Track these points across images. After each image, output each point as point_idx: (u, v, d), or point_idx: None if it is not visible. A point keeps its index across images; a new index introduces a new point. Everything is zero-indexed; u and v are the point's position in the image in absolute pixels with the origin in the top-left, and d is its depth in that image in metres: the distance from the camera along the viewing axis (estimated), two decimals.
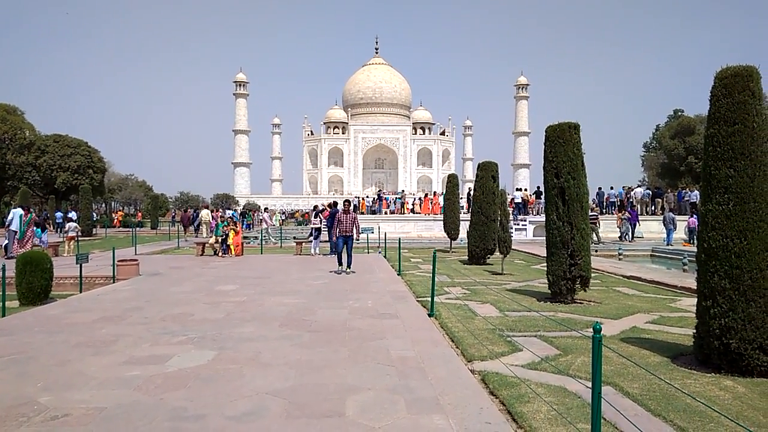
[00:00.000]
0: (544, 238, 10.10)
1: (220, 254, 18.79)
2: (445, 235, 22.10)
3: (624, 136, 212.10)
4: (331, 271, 13.83)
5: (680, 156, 52.78)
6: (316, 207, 21.79)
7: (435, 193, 41.03)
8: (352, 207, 14.90)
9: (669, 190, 34.54)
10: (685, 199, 28.05)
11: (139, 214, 55.15)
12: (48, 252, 15.52)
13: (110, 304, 9.48)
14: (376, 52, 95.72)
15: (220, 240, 19.06)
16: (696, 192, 25.84)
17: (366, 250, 21.42)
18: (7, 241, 18.10)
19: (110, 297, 10.27)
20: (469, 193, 33.83)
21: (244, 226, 39.66)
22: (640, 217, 27.03)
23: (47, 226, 20.56)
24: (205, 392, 4.85)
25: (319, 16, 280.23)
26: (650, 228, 27.57)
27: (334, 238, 14.44)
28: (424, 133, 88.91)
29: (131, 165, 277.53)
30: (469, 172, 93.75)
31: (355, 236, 13.96)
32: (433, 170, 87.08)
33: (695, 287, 6.02)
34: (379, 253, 20.15)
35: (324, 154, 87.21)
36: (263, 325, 7.69)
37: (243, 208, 48.55)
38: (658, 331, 7.37)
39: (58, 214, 37.95)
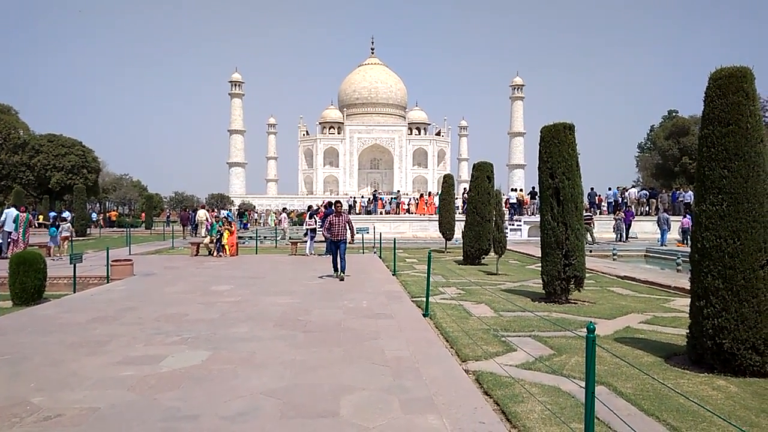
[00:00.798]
0: (539, 238, 10.11)
1: (215, 254, 18.75)
2: (440, 235, 22.12)
3: (619, 137, 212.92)
4: (322, 276, 13.02)
5: (674, 157, 53.01)
6: (310, 207, 21.73)
7: (430, 193, 41.04)
8: (345, 208, 14.66)
9: (663, 191, 34.66)
10: (680, 199, 28.15)
11: (143, 214, 54.95)
12: (43, 252, 15.47)
13: (104, 304, 9.45)
14: (372, 52, 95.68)
15: (215, 240, 19.03)
16: (690, 193, 25.94)
17: (361, 250, 21.42)
18: (1, 242, 18.02)
19: (104, 297, 10.23)
20: (464, 193, 33.89)
21: (242, 226, 39.67)
22: (634, 218, 27.11)
23: (58, 224, 20.74)
24: (199, 392, 4.84)
25: (314, 16, 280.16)
26: (644, 228, 27.68)
27: (324, 232, 13.74)
28: (419, 134, 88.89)
29: (126, 165, 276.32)
30: (465, 173, 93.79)
31: (348, 239, 13.00)
32: (428, 170, 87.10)
33: (689, 287, 6.05)
34: (374, 253, 20.15)
35: (319, 154, 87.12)
36: (258, 325, 7.68)
37: (239, 208, 48.49)
38: (652, 331, 7.39)
39: (52, 214, 37.81)
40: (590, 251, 18.19)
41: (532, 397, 4.74)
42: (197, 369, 5.57)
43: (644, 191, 31.86)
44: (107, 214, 53.63)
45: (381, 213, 36.41)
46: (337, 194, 73.62)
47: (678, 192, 29.74)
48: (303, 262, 16.82)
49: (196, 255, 19.03)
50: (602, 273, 13.76)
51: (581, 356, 5.96)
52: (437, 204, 26.24)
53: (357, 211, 37.25)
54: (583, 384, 3.49)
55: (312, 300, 9.79)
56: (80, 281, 12.33)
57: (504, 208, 20.31)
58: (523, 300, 9.98)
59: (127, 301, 9.73)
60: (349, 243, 13.09)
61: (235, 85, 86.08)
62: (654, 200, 30.10)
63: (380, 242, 20.25)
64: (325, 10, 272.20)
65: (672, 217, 24.87)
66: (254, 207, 58.98)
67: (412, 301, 9.86)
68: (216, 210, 31.83)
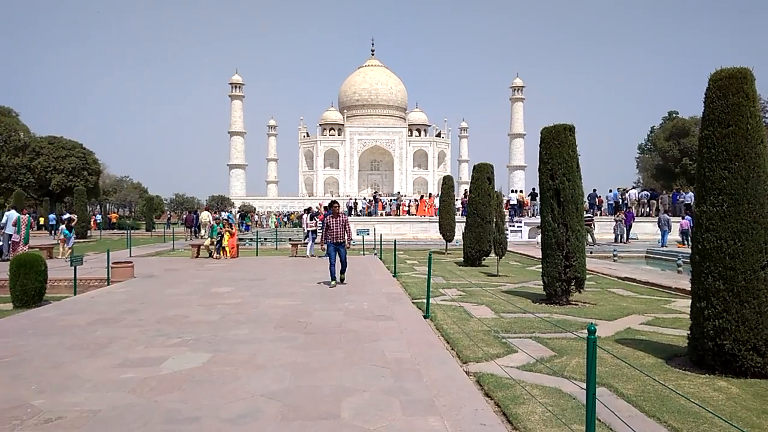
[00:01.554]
0: (539, 239, 10.10)
1: (215, 256, 18.76)
2: (441, 236, 22.12)
3: (619, 138, 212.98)
4: (320, 283, 12.14)
5: (675, 158, 53.05)
6: (309, 209, 21.70)
7: (431, 194, 41.03)
8: (343, 209, 14.36)
9: (664, 192, 34.65)
10: (680, 200, 28.14)
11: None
12: (43, 254, 15.47)
13: (105, 306, 9.44)
14: (372, 54, 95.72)
15: (215, 242, 19.03)
16: (691, 194, 25.93)
17: (361, 252, 21.41)
18: (2, 243, 18.02)
19: (105, 299, 10.23)
20: (464, 195, 33.88)
21: (244, 228, 39.68)
22: (634, 219, 27.10)
23: (72, 226, 20.93)
24: (200, 394, 4.84)
25: (315, 18, 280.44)
26: (645, 229, 27.66)
27: (323, 246, 12.70)
28: (419, 135, 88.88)
29: (126, 167, 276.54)
30: (465, 174, 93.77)
31: (346, 243, 12.21)
32: (428, 172, 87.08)
33: (689, 288, 6.04)
34: (375, 254, 20.15)
35: (320, 156, 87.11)
36: (258, 327, 7.68)
37: (239, 210, 48.52)
38: (653, 333, 7.39)
39: (52, 216, 37.81)
40: (591, 252, 18.18)
41: (533, 399, 4.74)
42: (198, 371, 5.56)
43: (645, 192, 31.85)
44: (107, 216, 53.67)
45: (381, 215, 36.40)
46: (338, 196, 73.60)
47: (678, 193, 29.73)
48: (303, 264, 16.82)
49: (197, 257, 19.04)
50: (603, 274, 13.75)
51: (582, 358, 5.95)
52: (438, 206, 26.23)
53: (357, 213, 37.21)
54: (584, 385, 3.49)
55: (313, 302, 9.78)
56: (81, 283, 12.33)
57: (504, 210, 20.32)
58: (524, 301, 9.98)
59: (128, 303, 9.72)
60: (347, 247, 12.30)
61: (236, 86, 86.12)
62: (654, 201, 30.10)
63: (381, 244, 20.24)
64: (325, 12, 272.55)
65: (672, 219, 24.86)
66: (255, 209, 58.97)
67: (413, 302, 9.85)
68: (217, 212, 31.87)
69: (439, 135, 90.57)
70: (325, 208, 21.68)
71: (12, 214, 17.85)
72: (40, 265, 10.57)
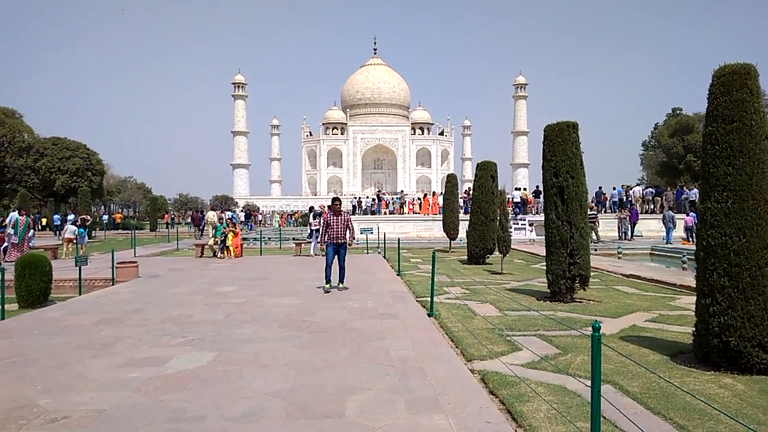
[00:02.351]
0: (543, 237, 10.09)
1: (219, 256, 18.79)
2: (445, 235, 22.10)
3: (623, 135, 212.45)
4: (311, 294, 10.61)
5: (679, 154, 52.86)
6: (312, 208, 21.73)
7: (434, 193, 41.03)
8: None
9: (668, 189, 34.54)
10: (684, 197, 28.05)
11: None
12: (48, 254, 15.52)
13: (109, 306, 9.47)
14: (375, 53, 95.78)
15: (219, 241, 19.06)
16: (695, 190, 25.82)
17: (365, 251, 21.42)
18: (6, 244, 18.10)
19: (109, 299, 10.26)
20: (465, 192, 33.83)
21: (249, 227, 39.75)
22: (638, 217, 27.03)
23: (86, 226, 21.46)
24: (205, 393, 4.85)
25: (317, 17, 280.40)
26: (649, 226, 27.58)
27: (321, 246, 11.32)
28: (422, 134, 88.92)
29: (130, 167, 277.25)
30: (468, 172, 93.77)
31: (348, 242, 11.18)
32: (432, 170, 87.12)
33: (694, 285, 6.02)
34: (379, 253, 20.15)
35: (323, 155, 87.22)
36: (263, 326, 7.69)
37: (243, 210, 48.61)
38: (658, 330, 7.37)
39: (57, 217, 37.94)
40: (595, 250, 18.14)
41: (538, 397, 4.73)
42: (203, 370, 5.57)
43: (650, 189, 31.75)
44: (112, 216, 53.82)
45: (385, 213, 36.38)
46: (342, 195, 73.63)
47: (683, 190, 29.64)
48: (307, 263, 16.83)
49: (201, 256, 19.07)
50: (607, 271, 13.72)
51: (587, 355, 5.94)
52: (441, 204, 26.21)
53: (362, 211, 37.18)
54: (589, 383, 3.48)
55: (317, 300, 9.79)
56: (86, 284, 12.38)
57: (508, 208, 20.30)
58: (528, 299, 9.96)
59: (133, 303, 9.75)
60: (349, 245, 11.34)
61: (239, 86, 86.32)
62: (659, 198, 30.00)
63: (384, 242, 20.24)
64: (327, 11, 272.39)
65: (677, 215, 24.78)
66: (258, 208, 59.07)
67: (417, 301, 9.85)
68: (222, 212, 32.03)
69: (442, 133, 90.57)
70: (327, 207, 21.69)
71: (14, 216, 17.95)
72: (44, 266, 10.62)
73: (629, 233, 25.18)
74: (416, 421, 4.22)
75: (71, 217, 26.83)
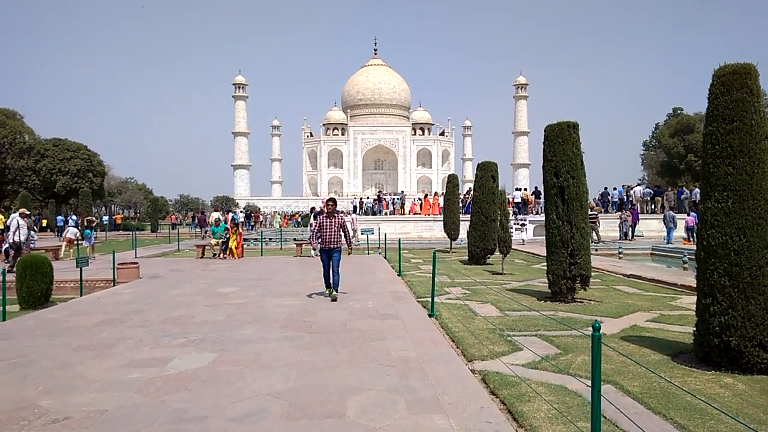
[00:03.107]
0: (544, 237, 10.09)
1: (220, 256, 18.80)
2: (445, 235, 22.11)
3: (623, 135, 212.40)
4: (312, 295, 10.40)
5: (680, 154, 52.83)
6: (313, 209, 21.76)
7: (436, 193, 41.03)
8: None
9: (669, 189, 34.52)
10: (684, 197, 28.04)
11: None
12: (49, 255, 15.53)
13: (111, 307, 9.48)
14: (375, 53, 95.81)
15: (220, 242, 19.07)
16: (697, 190, 25.80)
17: (366, 251, 21.43)
18: (6, 246, 18.10)
19: (111, 300, 10.27)
20: (466, 193, 33.82)
21: (249, 228, 39.81)
22: (639, 216, 27.04)
23: (92, 227, 21.82)
24: (206, 394, 4.86)
25: (317, 18, 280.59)
26: (650, 226, 27.58)
27: (314, 251, 10.15)
28: (423, 134, 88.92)
29: (131, 168, 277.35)
30: (469, 172, 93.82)
31: (345, 248, 10.35)
32: (432, 171, 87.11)
33: (695, 285, 6.02)
34: (379, 253, 20.16)
35: (323, 156, 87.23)
36: (264, 326, 7.70)
37: (243, 210, 48.65)
38: (659, 330, 7.37)
39: (59, 218, 37.96)
40: (596, 250, 18.14)
41: (539, 397, 4.74)
42: (204, 371, 5.58)
43: (648, 189, 31.74)
44: (112, 217, 53.84)
45: (385, 214, 36.38)
46: (342, 195, 73.65)
47: (683, 190, 29.63)
48: (308, 264, 16.83)
49: (202, 257, 19.08)
50: (608, 271, 13.72)
51: (588, 355, 5.94)
52: (442, 204, 26.20)
53: (364, 211, 37.15)
54: (590, 383, 3.49)
55: (317, 301, 9.79)
56: (87, 285, 12.39)
57: (508, 208, 20.29)
58: (529, 299, 9.97)
59: (134, 304, 9.76)
60: (347, 252, 10.42)
61: (239, 87, 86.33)
62: (660, 198, 30.00)
63: (385, 243, 20.25)
64: (327, 12, 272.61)
65: (678, 215, 24.77)
66: (259, 209, 59.11)
67: (418, 301, 9.86)
68: (225, 213, 32.16)
69: (442, 133, 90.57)
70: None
71: (14, 218, 17.94)
72: (45, 267, 10.63)
73: (630, 234, 25.18)
74: (417, 421, 4.22)
75: (74, 218, 26.92)
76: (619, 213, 27.05)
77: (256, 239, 27.63)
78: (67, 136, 51.73)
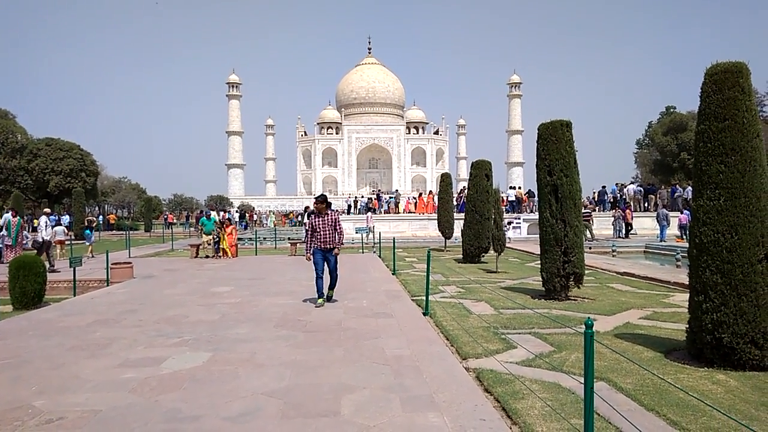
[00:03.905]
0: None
1: (214, 256, 18.76)
2: (440, 234, 22.14)
3: (616, 134, 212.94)
4: (306, 300, 9.79)
5: (673, 152, 53.08)
6: (307, 208, 21.75)
7: (430, 192, 41.07)
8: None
9: (662, 187, 34.68)
10: (676, 195, 28.18)
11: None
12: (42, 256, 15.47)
13: (104, 307, 9.45)
14: (369, 52, 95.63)
15: (212, 241, 19.01)
16: (689, 188, 25.95)
17: (360, 250, 21.43)
18: (1, 247, 18.02)
19: (104, 300, 10.24)
20: (460, 192, 33.87)
21: (242, 227, 39.74)
22: (633, 214, 27.16)
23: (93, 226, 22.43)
24: (201, 393, 4.85)
25: (311, 17, 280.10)
26: (643, 224, 27.71)
27: (308, 255, 9.51)
28: (417, 133, 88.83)
29: (124, 168, 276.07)
30: (463, 171, 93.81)
31: (336, 249, 9.51)
32: (427, 169, 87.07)
33: (688, 283, 6.06)
34: (374, 252, 20.17)
35: (318, 155, 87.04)
36: (258, 326, 7.69)
37: (237, 209, 48.56)
38: (652, 327, 7.41)
39: (53, 218, 37.77)
40: (589, 248, 18.20)
41: (533, 394, 4.76)
42: (198, 370, 5.57)
43: (639, 188, 31.88)
44: (106, 217, 53.62)
45: (380, 212, 36.40)
46: (336, 194, 73.60)
47: (676, 188, 29.78)
48: (302, 263, 16.79)
49: (196, 257, 19.04)
50: (602, 269, 13.78)
51: (581, 352, 5.97)
52: (437, 203, 26.24)
53: (358, 210, 37.14)
54: (583, 380, 3.50)
55: (312, 300, 9.78)
56: (80, 285, 12.34)
57: (502, 206, 20.30)
58: (523, 297, 10.00)
59: (128, 303, 9.73)
60: (335, 253, 9.51)
61: (233, 86, 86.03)
62: (652, 196, 30.15)
63: (380, 241, 20.26)
64: (321, 11, 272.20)
65: (671, 213, 24.90)
66: (253, 208, 58.98)
67: (412, 299, 9.87)
68: (217, 212, 32.11)
69: (437, 132, 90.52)
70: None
71: (6, 217, 17.89)
72: (39, 267, 10.58)
73: (623, 231, 25.29)
74: (411, 419, 4.23)
75: (66, 218, 26.84)
76: (612, 211, 27.18)
77: (250, 239, 27.59)
78: (60, 136, 51.41)
